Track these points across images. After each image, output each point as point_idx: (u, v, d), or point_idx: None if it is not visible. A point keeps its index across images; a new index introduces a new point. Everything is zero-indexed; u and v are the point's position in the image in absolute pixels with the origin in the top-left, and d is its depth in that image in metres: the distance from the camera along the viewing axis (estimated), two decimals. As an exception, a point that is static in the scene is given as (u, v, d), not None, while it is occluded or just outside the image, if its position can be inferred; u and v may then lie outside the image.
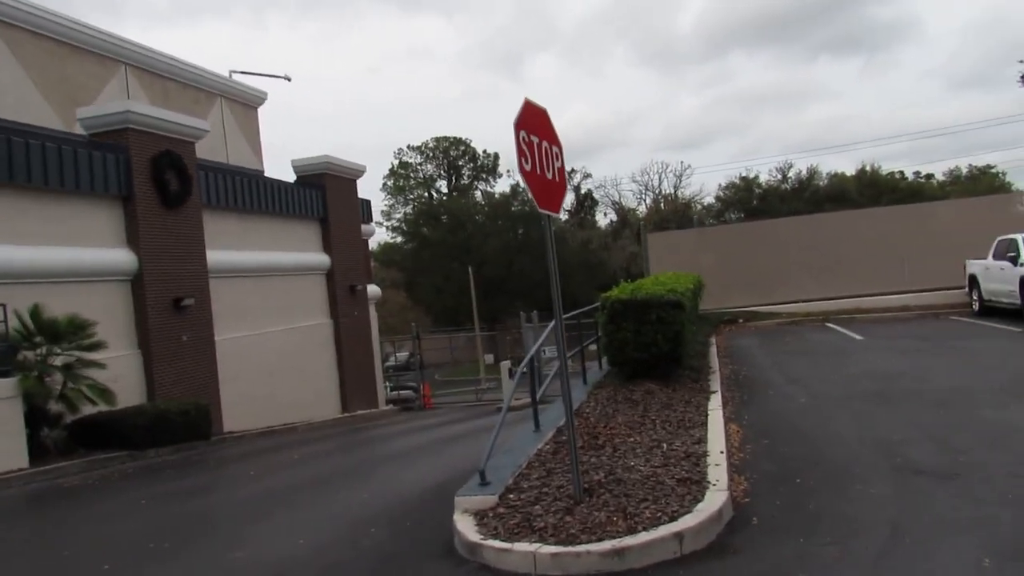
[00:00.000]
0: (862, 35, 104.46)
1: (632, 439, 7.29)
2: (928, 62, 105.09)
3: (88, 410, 13.51)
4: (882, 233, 23.25)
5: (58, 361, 13.04)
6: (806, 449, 7.29)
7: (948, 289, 21.28)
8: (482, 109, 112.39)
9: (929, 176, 68.14)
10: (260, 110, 26.30)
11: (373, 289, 26.63)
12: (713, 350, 15.03)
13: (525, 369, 8.29)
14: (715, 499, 5.30)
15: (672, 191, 72.34)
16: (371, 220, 27.40)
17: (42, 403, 12.72)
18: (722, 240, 24.10)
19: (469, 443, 13.25)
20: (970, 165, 70.69)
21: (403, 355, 49.54)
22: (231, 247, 19.26)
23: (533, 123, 5.47)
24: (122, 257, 15.66)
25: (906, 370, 11.70)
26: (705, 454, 6.58)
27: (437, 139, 75.22)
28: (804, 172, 60.13)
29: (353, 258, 24.74)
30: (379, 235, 74.23)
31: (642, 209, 73.41)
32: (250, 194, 20.01)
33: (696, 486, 5.61)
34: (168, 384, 16.25)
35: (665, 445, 6.93)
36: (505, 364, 23.43)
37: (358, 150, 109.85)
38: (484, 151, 75.19)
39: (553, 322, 9.36)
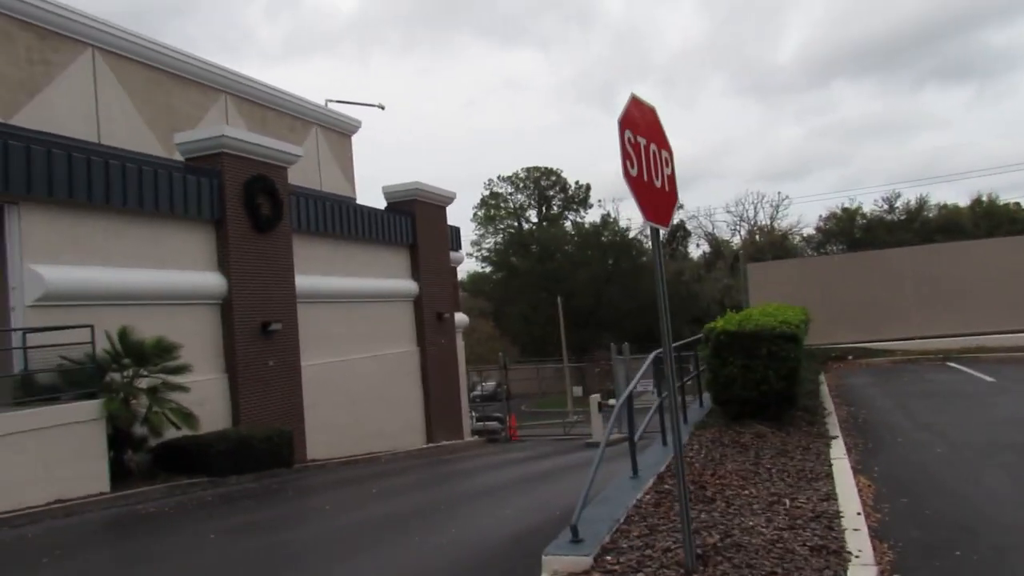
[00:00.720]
0: (973, 62, 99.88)
1: (747, 492, 6.35)
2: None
3: (172, 434, 13.35)
4: (1006, 265, 21.33)
5: (144, 384, 12.93)
6: (957, 512, 6.19)
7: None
8: (575, 141, 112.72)
9: (1048, 207, 63.50)
10: (355, 139, 26.47)
11: (460, 317, 26.20)
12: (824, 389, 13.78)
13: (622, 403, 7.46)
14: (860, 576, 4.35)
15: (768, 222, 70.13)
16: (460, 248, 27.10)
17: (126, 426, 12.59)
18: (827, 271, 22.58)
19: (557, 481, 12.42)
20: None
21: (490, 385, 49.13)
22: (320, 272, 19.13)
23: (640, 122, 4.73)
24: (212, 280, 15.63)
25: (1057, 419, 10.28)
26: (838, 514, 5.59)
27: (528, 169, 75.28)
28: (913, 202, 56.95)
29: (441, 285, 24.39)
30: (468, 264, 74.64)
31: (736, 241, 71.37)
32: (340, 220, 19.90)
33: (834, 557, 4.66)
34: (253, 409, 16.06)
35: (788, 501, 5.97)
36: (595, 398, 22.50)
37: (450, 181, 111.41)
38: (576, 182, 74.82)
39: (656, 352, 8.60)
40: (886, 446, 9.01)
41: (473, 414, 32.70)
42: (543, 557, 5.01)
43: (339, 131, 25.70)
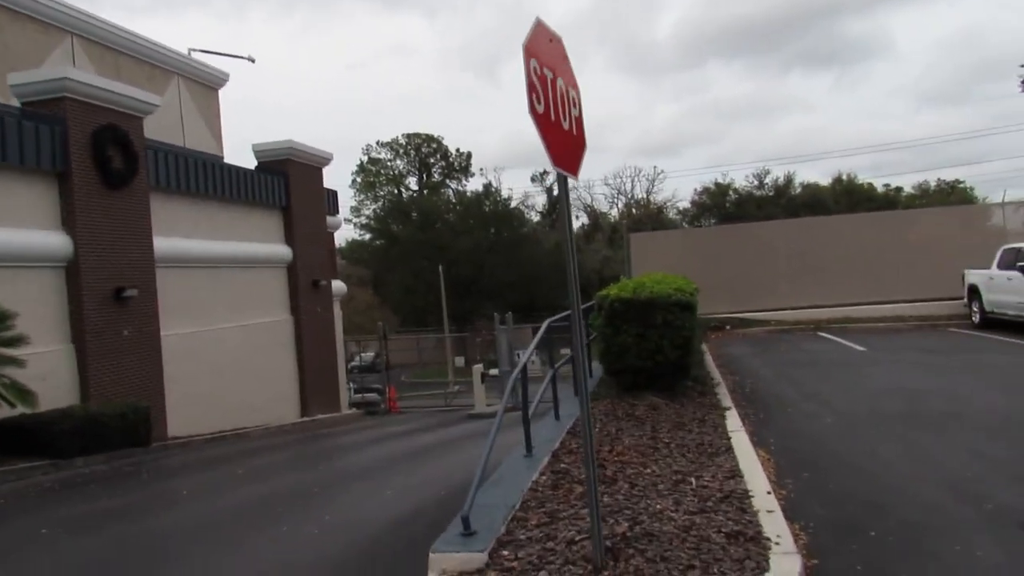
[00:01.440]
0: (835, 49, 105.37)
1: (649, 470, 5.92)
2: (898, 78, 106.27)
3: (6, 412, 11.84)
4: (868, 240, 22.19)
5: (-30, 356, 11.36)
6: (861, 486, 5.98)
7: (940, 300, 20.36)
8: (459, 111, 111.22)
9: (899, 189, 67.98)
10: (229, 99, 24.62)
11: (338, 285, 25.02)
12: (709, 359, 13.75)
13: (517, 375, 6.89)
14: (785, 567, 3.94)
15: (644, 196, 71.69)
16: (337, 212, 25.80)
17: (-52, 404, 11.05)
18: (706, 242, 22.89)
19: (441, 456, 11.80)
20: (938, 179, 70.69)
21: (368, 355, 47.82)
22: (182, 234, 17.60)
23: (547, 52, 4.07)
24: (55, 241, 13.96)
25: (931, 388, 10.50)
26: (747, 494, 5.21)
27: (408, 135, 73.65)
28: (781, 179, 59.41)
29: (317, 251, 23.14)
30: (347, 232, 72.47)
31: (614, 213, 72.63)
32: (206, 178, 18.35)
33: (753, 545, 4.24)
34: (105, 384, 14.57)
35: (694, 480, 5.56)
36: (477, 368, 21.99)
37: (330, 145, 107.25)
38: (457, 149, 73.85)
39: (549, 320, 8.11)
40: (777, 416, 8.88)
41: (351, 385, 31.61)
42: (430, 555, 4.36)
43: (204, 83, 23.80)
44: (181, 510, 8.30)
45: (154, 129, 18.10)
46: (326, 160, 23.87)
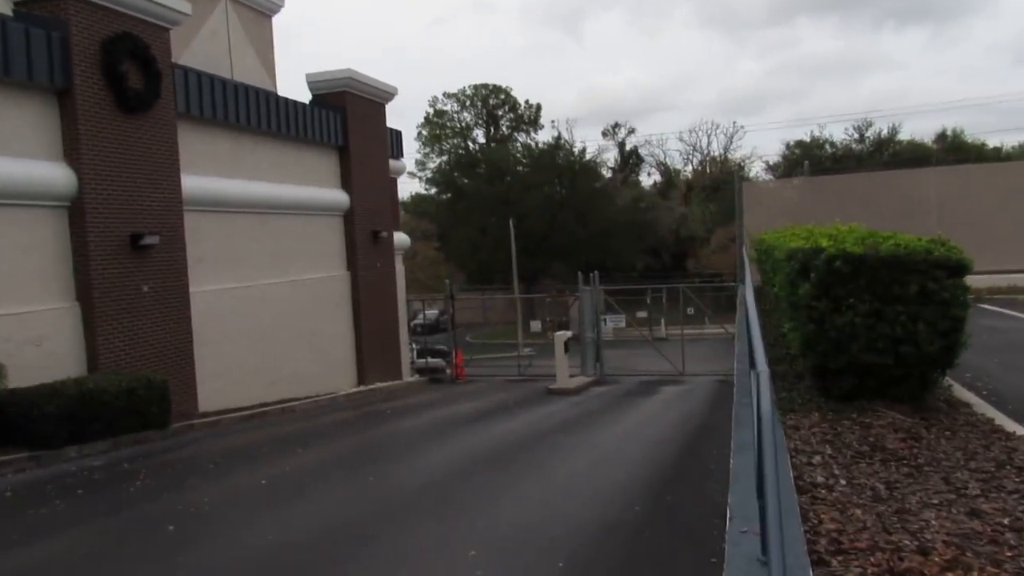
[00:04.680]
0: (931, 4, 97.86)
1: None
2: (998, 34, 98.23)
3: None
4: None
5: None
6: None
7: None
8: (536, 66, 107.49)
9: (1019, 147, 61.63)
10: (298, 50, 21.72)
11: (401, 237, 22.13)
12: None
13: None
14: None
15: (722, 152, 66.98)
16: (401, 155, 22.78)
17: None
18: (835, 193, 19.13)
19: (537, 466, 8.83)
20: None
21: (432, 313, 45.21)
22: (219, 173, 14.89)
23: None
24: (53, 174, 11.30)
25: None
26: None
27: (476, 86, 70.00)
28: (885, 132, 53.98)
29: (378, 199, 20.26)
30: (411, 186, 70.03)
31: (689, 170, 68.25)
32: (248, 108, 15.54)
33: None
34: (118, 351, 12.00)
35: None
36: (561, 335, 18.91)
37: (402, 100, 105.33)
38: (526, 101, 69.95)
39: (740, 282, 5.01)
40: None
41: (413, 346, 28.95)
42: None
43: (256, 8, 20.88)
44: (144, 567, 5.48)
45: (197, 58, 15.40)
46: (390, 95, 20.83)
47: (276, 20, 21.66)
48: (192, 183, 13.76)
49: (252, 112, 15.67)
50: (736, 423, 5.66)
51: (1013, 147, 63.61)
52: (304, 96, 18.54)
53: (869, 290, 5.35)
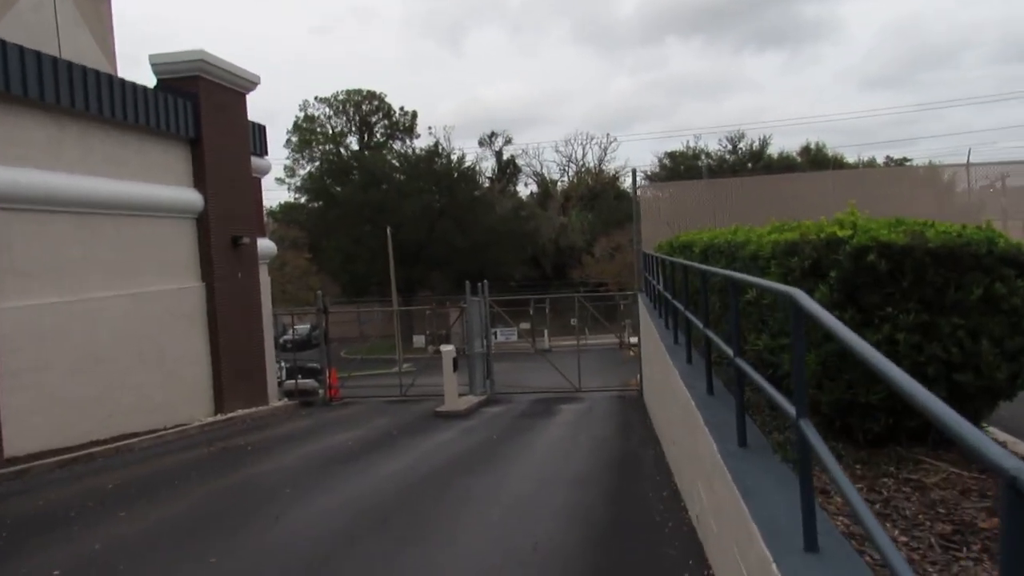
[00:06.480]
0: (786, 30, 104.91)
1: None
2: (845, 60, 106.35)
3: None
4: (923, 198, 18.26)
5: None
6: None
7: None
8: (412, 77, 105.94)
9: (871, 161, 65.22)
10: (153, 42, 18.96)
11: (266, 244, 19.79)
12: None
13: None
14: None
15: (596, 163, 67.68)
16: (266, 152, 20.41)
17: None
18: (737, 197, 18.32)
19: (441, 515, 7.06)
20: (887, 156, 68.25)
21: (303, 328, 42.25)
22: (37, 164, 12.32)
23: None
24: None
25: None
26: None
27: (348, 91, 67.44)
28: (756, 144, 55.56)
29: (239, 201, 17.90)
30: (280, 194, 66.59)
31: (564, 181, 68.50)
32: (75, 88, 13.02)
33: None
34: None
35: None
36: (448, 350, 17.13)
37: (273, 104, 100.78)
38: (401, 108, 67.92)
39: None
40: None
41: (282, 365, 26.42)
42: None
43: (91, -17, 18.13)
44: None
45: (13, 33, 12.82)
46: (251, 83, 18.52)
47: (137, 29, 19.03)
48: (1, 176, 11.20)
49: (81, 93, 13.16)
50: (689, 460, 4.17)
51: (865, 161, 67.25)
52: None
53: (914, 295, 3.97)
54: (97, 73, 13.96)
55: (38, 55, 12.43)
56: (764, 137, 61.21)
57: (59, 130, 12.93)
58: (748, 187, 18.40)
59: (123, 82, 14.62)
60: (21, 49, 12.05)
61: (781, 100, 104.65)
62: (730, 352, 4.58)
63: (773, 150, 57.57)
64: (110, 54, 18.71)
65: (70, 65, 13.16)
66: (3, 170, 11.36)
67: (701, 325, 5.97)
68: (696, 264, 6.29)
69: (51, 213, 12.52)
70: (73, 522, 7.30)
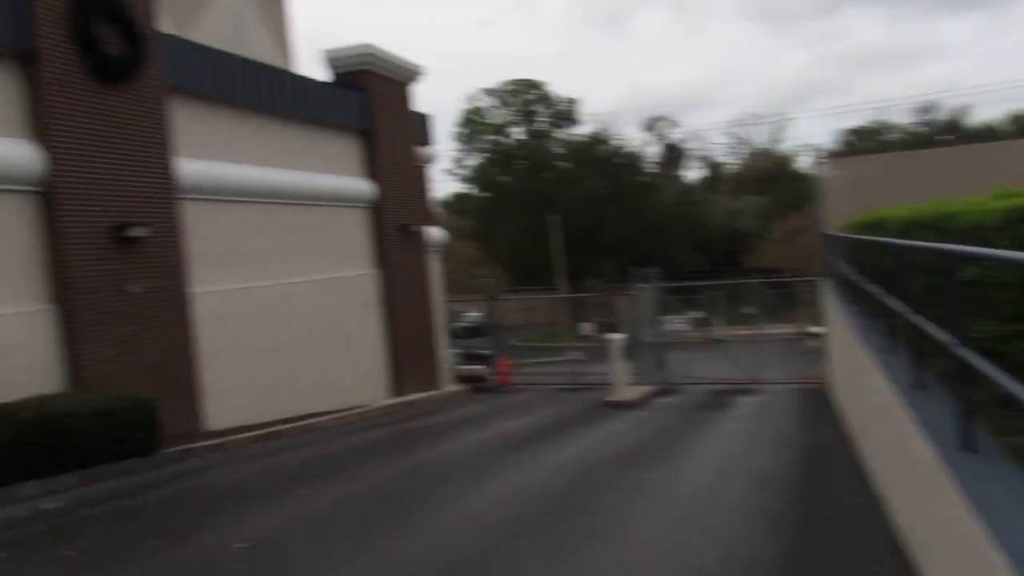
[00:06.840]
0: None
1: None
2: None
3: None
4: None
5: None
6: None
7: None
8: (576, 66, 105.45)
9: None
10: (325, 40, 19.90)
11: (436, 233, 20.15)
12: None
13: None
14: None
15: (769, 144, 64.21)
16: (432, 142, 20.77)
17: None
18: (944, 172, 16.48)
19: (613, 512, 6.70)
20: None
21: (473, 315, 43.13)
22: (223, 157, 13.05)
23: None
24: (19, 153, 9.52)
25: None
26: None
27: (512, 82, 68.14)
28: (951, 115, 50.57)
29: (407, 189, 18.30)
30: (452, 185, 68.34)
31: (735, 164, 65.54)
32: (257, 85, 13.71)
33: None
34: (103, 361, 10.18)
35: None
36: (615, 339, 16.69)
37: (439, 100, 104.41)
38: (566, 97, 67.66)
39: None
40: None
41: (457, 350, 26.92)
42: None
43: (271, -14, 19.14)
44: None
45: (204, 37, 13.72)
46: (415, 74, 18.85)
47: (308, 22, 19.91)
48: (190, 167, 11.95)
49: (262, 89, 13.83)
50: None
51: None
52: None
53: None
54: (279, 72, 14.66)
55: (227, 56, 13.16)
56: (961, 107, 55.48)
57: (242, 124, 13.63)
58: (949, 158, 16.53)
59: (300, 78, 15.26)
60: (213, 51, 12.80)
61: (980, 66, 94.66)
62: (947, 340, 3.90)
63: (973, 120, 52.24)
64: (285, 49, 19.69)
65: (254, 65, 13.85)
66: (192, 162, 12.08)
67: (907, 311, 5.22)
68: (912, 242, 5.47)
69: (236, 203, 13.23)
70: (258, 497, 7.57)
